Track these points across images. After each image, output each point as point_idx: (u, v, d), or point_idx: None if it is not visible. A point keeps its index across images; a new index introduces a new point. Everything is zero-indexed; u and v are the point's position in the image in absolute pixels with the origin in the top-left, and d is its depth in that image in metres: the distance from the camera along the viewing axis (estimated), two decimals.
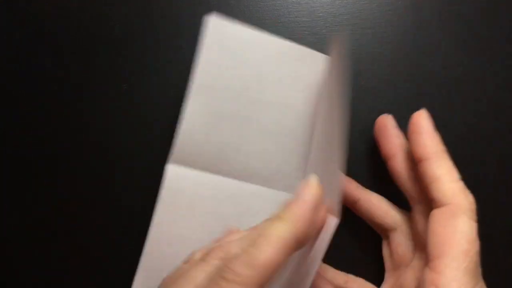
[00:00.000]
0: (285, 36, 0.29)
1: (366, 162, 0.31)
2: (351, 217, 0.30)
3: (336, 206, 0.23)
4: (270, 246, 0.20)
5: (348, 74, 0.29)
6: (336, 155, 0.23)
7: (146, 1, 0.31)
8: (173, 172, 0.29)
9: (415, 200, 0.26)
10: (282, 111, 0.30)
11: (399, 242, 0.28)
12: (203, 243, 0.26)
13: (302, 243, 0.21)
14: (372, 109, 0.31)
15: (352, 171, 0.30)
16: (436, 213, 0.24)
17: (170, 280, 0.22)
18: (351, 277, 0.30)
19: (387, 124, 0.28)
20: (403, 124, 0.31)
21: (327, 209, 0.24)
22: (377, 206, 0.28)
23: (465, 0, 0.31)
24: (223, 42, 0.29)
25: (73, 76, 0.31)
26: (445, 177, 0.24)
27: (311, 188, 0.22)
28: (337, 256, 0.30)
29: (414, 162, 0.26)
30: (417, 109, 0.31)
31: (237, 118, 0.29)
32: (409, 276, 0.26)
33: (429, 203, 0.25)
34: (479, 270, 0.23)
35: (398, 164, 0.27)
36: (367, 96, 0.31)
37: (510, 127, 0.32)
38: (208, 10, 0.31)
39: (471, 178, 0.25)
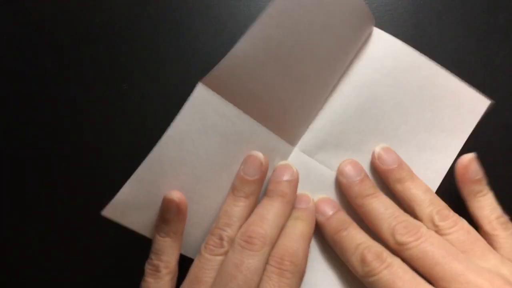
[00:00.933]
0: None
1: None
2: None
3: None
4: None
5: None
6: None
7: (146, 1, 0.31)
8: (200, 94, 0.27)
9: None
10: (326, 70, 0.29)
11: None
12: (201, 173, 0.27)
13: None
14: None
15: None
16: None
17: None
18: None
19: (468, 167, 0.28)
20: None
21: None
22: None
23: (465, 0, 0.31)
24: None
25: (73, 76, 0.31)
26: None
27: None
28: None
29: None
30: None
31: (284, 64, 0.28)
32: None
33: None
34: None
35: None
36: None
37: (511, 127, 0.32)
38: (208, 10, 0.31)
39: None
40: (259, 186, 0.27)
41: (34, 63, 0.32)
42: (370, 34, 0.29)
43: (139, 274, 0.26)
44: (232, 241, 0.26)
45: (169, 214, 0.26)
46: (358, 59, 0.30)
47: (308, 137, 0.30)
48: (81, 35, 0.31)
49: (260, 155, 0.28)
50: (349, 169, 0.29)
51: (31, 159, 0.32)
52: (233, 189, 0.27)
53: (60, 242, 0.32)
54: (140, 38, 0.31)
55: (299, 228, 0.27)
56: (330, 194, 0.30)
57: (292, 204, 0.28)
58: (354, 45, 0.29)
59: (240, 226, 0.26)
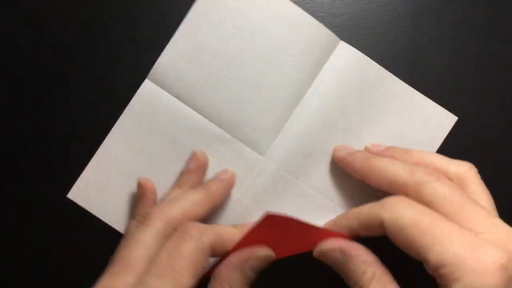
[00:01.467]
0: None
1: None
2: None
3: None
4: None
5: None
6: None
7: (147, 1, 0.31)
8: (147, 88, 0.30)
9: None
10: (269, 67, 0.30)
11: None
12: (153, 161, 0.30)
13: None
14: None
15: None
16: (387, 232, 0.24)
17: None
18: None
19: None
20: None
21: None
22: None
23: (465, 0, 0.31)
24: None
25: (73, 76, 0.31)
26: None
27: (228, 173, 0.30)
28: None
29: None
30: None
31: (222, 59, 0.30)
32: None
33: None
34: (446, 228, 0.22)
35: None
36: None
37: (511, 128, 0.32)
38: None
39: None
40: (194, 178, 0.30)
41: (34, 63, 0.31)
42: (336, 48, 0.30)
43: None
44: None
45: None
46: (326, 71, 0.30)
47: (277, 147, 0.31)
48: (81, 34, 0.31)
49: (198, 153, 0.30)
50: (343, 146, 0.30)
51: (31, 159, 0.31)
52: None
53: (60, 242, 0.32)
54: (140, 38, 0.31)
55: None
56: (298, 203, 0.31)
57: (213, 200, 0.29)
58: (309, 57, 0.30)
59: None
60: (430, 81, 0.31)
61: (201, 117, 0.30)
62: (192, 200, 0.27)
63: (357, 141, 0.31)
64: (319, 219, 0.31)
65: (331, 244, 0.26)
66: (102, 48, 0.31)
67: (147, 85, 0.30)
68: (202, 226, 0.25)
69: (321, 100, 0.30)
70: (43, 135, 0.32)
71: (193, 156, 0.30)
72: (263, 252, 0.26)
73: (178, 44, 0.30)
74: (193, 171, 0.30)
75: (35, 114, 0.32)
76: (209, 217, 0.29)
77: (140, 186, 0.30)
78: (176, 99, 0.30)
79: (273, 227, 0.25)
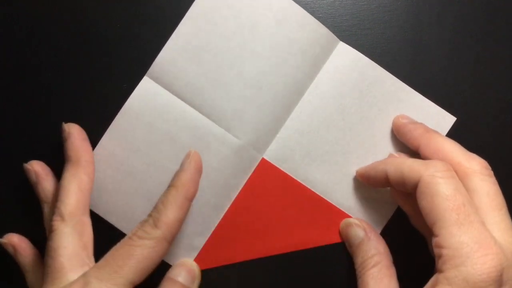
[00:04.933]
0: None
1: None
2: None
3: None
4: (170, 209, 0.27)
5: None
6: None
7: (147, 1, 0.31)
8: (146, 85, 0.30)
9: None
10: (268, 66, 0.30)
11: None
12: (150, 159, 0.30)
13: (192, 198, 0.28)
14: None
15: None
16: (417, 191, 0.25)
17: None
18: None
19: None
20: None
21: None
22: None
23: (465, 0, 0.31)
24: None
25: (72, 76, 0.31)
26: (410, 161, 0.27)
27: (194, 158, 0.29)
28: None
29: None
30: None
31: (222, 57, 0.30)
32: None
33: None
34: (471, 216, 0.23)
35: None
36: None
37: (510, 128, 0.32)
38: None
39: None
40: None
41: (34, 63, 0.31)
42: (336, 48, 0.30)
43: None
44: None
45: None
46: (325, 71, 0.30)
47: (276, 145, 0.31)
48: (81, 35, 0.31)
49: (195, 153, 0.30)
50: (402, 116, 0.31)
51: (30, 160, 0.31)
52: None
53: None
54: (140, 38, 0.31)
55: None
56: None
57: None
58: (309, 57, 0.30)
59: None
60: (430, 81, 0.31)
61: (201, 115, 0.30)
62: (70, 187, 0.28)
63: (356, 141, 0.31)
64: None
65: (359, 221, 0.30)
66: (102, 48, 0.31)
67: (145, 83, 0.30)
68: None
69: (321, 99, 0.31)
70: (42, 134, 0.32)
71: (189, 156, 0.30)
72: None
73: (178, 42, 0.30)
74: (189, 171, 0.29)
75: (34, 114, 0.31)
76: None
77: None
78: (175, 97, 0.30)
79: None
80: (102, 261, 0.26)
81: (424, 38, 0.31)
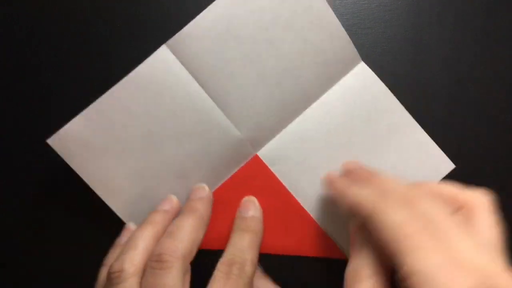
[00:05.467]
0: None
1: None
2: None
3: None
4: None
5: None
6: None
7: (147, 1, 0.31)
8: (162, 54, 0.28)
9: None
10: (290, 68, 0.29)
11: None
12: (147, 130, 0.29)
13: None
14: None
15: None
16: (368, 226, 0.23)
17: None
18: None
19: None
20: None
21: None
22: None
23: (465, 0, 0.31)
24: None
25: (72, 76, 0.31)
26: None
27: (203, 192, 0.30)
28: None
29: None
30: (418, 109, 0.31)
31: (248, 48, 0.29)
32: None
33: None
34: (438, 236, 0.20)
35: None
36: None
37: (510, 128, 0.32)
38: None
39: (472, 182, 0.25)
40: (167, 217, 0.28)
41: (34, 63, 0.31)
42: (356, 67, 0.30)
43: None
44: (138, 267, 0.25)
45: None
46: (340, 86, 0.30)
47: (272, 146, 0.31)
48: (81, 35, 0.31)
49: (174, 198, 0.29)
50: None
51: (30, 160, 0.31)
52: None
53: (59, 243, 0.32)
54: (140, 38, 0.31)
55: (246, 240, 0.27)
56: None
57: (205, 220, 0.28)
58: (330, 69, 0.30)
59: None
60: (430, 81, 0.31)
61: (210, 100, 0.29)
62: (192, 228, 0.26)
63: None
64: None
65: None
66: (102, 48, 0.31)
67: (163, 52, 0.28)
68: (174, 248, 0.25)
69: (328, 113, 0.30)
70: (42, 134, 0.32)
71: (167, 200, 0.29)
72: None
73: (207, 20, 0.28)
74: (167, 212, 0.28)
75: (34, 114, 0.32)
76: None
77: (127, 231, 0.29)
78: (189, 75, 0.29)
79: None
80: None
81: (424, 37, 0.31)
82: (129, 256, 0.25)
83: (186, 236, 0.26)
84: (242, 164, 0.31)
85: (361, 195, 0.24)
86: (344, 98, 0.30)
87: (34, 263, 0.32)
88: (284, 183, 0.31)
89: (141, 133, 0.29)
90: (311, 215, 0.31)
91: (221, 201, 0.31)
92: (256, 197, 0.31)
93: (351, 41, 0.29)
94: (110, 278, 0.24)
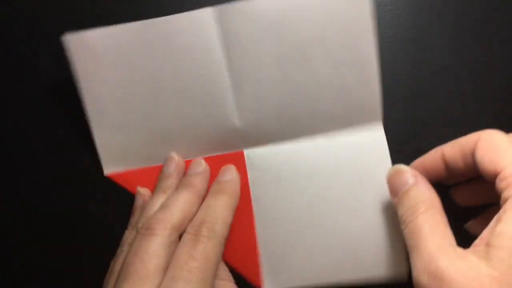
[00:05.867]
0: None
1: None
2: None
3: None
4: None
5: None
6: None
7: (147, 1, 0.31)
8: (204, 16, 0.28)
9: None
10: (313, 90, 0.29)
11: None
12: (150, 82, 0.28)
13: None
14: None
15: None
16: (477, 147, 0.24)
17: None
18: None
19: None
20: (402, 124, 0.31)
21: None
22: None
23: (465, 0, 0.31)
24: None
25: (73, 76, 0.31)
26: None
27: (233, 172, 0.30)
28: None
29: None
30: (417, 109, 0.31)
31: (284, 49, 0.28)
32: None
33: None
34: None
35: None
36: None
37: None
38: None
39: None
40: (175, 181, 0.29)
41: (33, 63, 0.31)
42: (372, 124, 0.29)
43: None
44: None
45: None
46: (349, 140, 0.29)
47: (261, 152, 0.30)
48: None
49: (175, 156, 0.30)
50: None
51: (30, 160, 0.31)
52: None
53: (58, 243, 0.32)
54: None
55: (219, 200, 0.28)
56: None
57: (201, 194, 0.29)
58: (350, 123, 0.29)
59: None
60: (430, 81, 0.31)
61: (228, 78, 0.29)
62: (185, 201, 0.27)
63: (327, 219, 0.29)
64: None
65: (410, 169, 0.26)
66: None
67: (206, 14, 0.28)
68: (163, 218, 0.26)
69: (325, 157, 0.30)
70: (42, 134, 0.32)
71: (170, 159, 0.30)
72: None
73: (262, 6, 0.27)
74: (173, 175, 0.29)
75: (34, 114, 0.31)
76: None
77: (139, 195, 0.30)
78: (219, 46, 0.28)
79: None
80: (183, 270, 0.25)
81: (424, 37, 0.31)
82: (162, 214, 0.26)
83: (178, 209, 0.27)
84: (223, 153, 0.30)
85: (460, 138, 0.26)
86: (346, 149, 0.29)
87: (34, 263, 0.32)
88: (251, 191, 0.30)
89: (149, 78, 0.29)
90: (257, 236, 0.30)
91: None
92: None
93: (380, 94, 0.28)
94: (141, 233, 0.26)
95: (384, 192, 0.28)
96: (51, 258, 0.32)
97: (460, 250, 0.22)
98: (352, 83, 0.28)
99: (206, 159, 0.30)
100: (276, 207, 0.30)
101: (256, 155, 0.30)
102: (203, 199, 0.28)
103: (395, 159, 0.29)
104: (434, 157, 0.27)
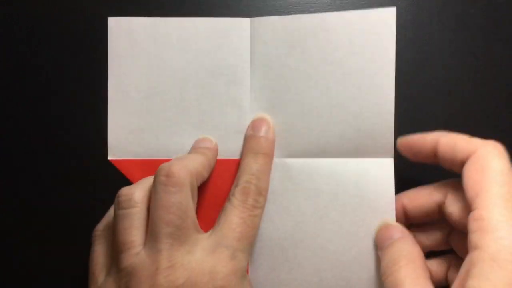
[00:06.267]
0: None
1: None
2: None
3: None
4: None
5: None
6: None
7: (147, 1, 0.31)
8: (242, 25, 0.30)
9: None
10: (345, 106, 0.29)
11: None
12: (183, 71, 0.30)
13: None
14: None
15: None
16: (467, 163, 0.24)
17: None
18: None
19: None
20: (401, 124, 0.31)
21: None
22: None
23: (465, 0, 0.31)
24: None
25: (72, 76, 0.31)
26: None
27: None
28: None
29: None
30: (417, 109, 0.31)
31: (308, 66, 0.29)
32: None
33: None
34: None
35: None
36: None
37: (511, 127, 0.32)
38: (209, 11, 0.31)
39: None
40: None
41: (33, 63, 0.31)
42: (383, 163, 0.29)
43: None
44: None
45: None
46: (357, 166, 0.29)
47: (292, 145, 0.30)
48: (81, 35, 0.31)
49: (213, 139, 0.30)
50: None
51: (29, 160, 0.31)
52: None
53: (59, 243, 0.32)
54: None
55: (259, 164, 0.28)
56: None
57: (211, 164, 0.29)
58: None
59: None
60: (430, 81, 0.31)
61: (249, 89, 0.30)
62: (200, 162, 0.27)
63: (319, 251, 0.29)
64: None
65: (398, 224, 0.28)
66: (102, 47, 0.31)
67: (244, 24, 0.30)
68: (181, 169, 0.25)
69: (327, 173, 0.29)
70: (42, 134, 0.32)
71: (207, 139, 0.30)
72: None
73: (297, 22, 0.29)
74: (211, 149, 0.30)
75: (34, 114, 0.32)
76: None
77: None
78: (248, 53, 0.30)
79: None
80: (235, 232, 0.26)
81: (424, 37, 0.31)
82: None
83: (194, 161, 0.27)
84: (230, 158, 0.30)
85: (461, 135, 0.26)
86: (352, 179, 0.29)
87: (34, 263, 0.32)
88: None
89: (175, 71, 0.30)
90: None
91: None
92: (222, 187, 0.30)
93: (393, 131, 0.29)
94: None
95: (381, 223, 0.28)
96: (51, 258, 0.32)
97: None
98: (368, 109, 0.29)
99: (217, 161, 0.30)
100: (271, 220, 0.30)
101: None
102: (210, 172, 0.29)
103: (395, 159, 0.29)
104: (426, 141, 0.27)
